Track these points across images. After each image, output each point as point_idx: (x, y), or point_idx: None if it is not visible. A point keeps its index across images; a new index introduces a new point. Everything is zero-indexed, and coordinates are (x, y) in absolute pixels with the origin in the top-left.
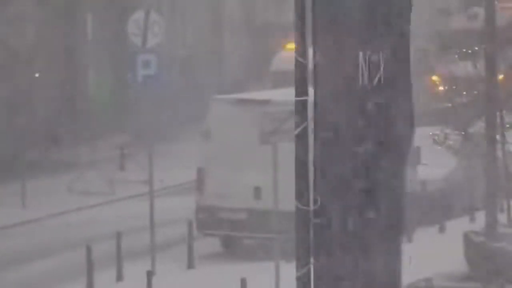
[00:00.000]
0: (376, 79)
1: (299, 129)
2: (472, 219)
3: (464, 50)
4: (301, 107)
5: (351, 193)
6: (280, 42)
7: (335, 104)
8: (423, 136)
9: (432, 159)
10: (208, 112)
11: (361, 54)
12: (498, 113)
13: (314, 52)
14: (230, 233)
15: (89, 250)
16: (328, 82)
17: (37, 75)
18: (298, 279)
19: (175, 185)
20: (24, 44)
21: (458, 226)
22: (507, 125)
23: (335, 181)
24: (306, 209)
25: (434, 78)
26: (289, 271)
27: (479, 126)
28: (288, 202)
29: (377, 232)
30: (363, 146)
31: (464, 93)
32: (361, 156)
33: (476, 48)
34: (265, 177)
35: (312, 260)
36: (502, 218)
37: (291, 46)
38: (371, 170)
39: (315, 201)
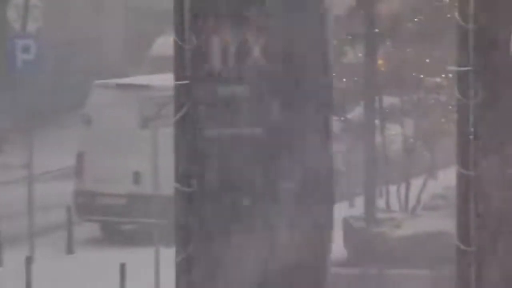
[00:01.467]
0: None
1: (179, 114)
2: (352, 205)
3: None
4: (180, 92)
5: (226, 179)
6: (161, 27)
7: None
8: None
9: None
10: (89, 97)
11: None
12: (377, 98)
13: (190, 36)
14: (109, 219)
15: None
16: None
17: None
18: (178, 264)
19: (55, 170)
20: None
21: (337, 212)
22: (387, 110)
23: (208, 165)
24: (186, 192)
25: None
26: (168, 256)
27: (358, 112)
28: (168, 187)
29: (253, 218)
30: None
31: (344, 80)
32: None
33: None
34: (145, 162)
35: (191, 245)
36: (381, 203)
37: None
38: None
39: (191, 185)
